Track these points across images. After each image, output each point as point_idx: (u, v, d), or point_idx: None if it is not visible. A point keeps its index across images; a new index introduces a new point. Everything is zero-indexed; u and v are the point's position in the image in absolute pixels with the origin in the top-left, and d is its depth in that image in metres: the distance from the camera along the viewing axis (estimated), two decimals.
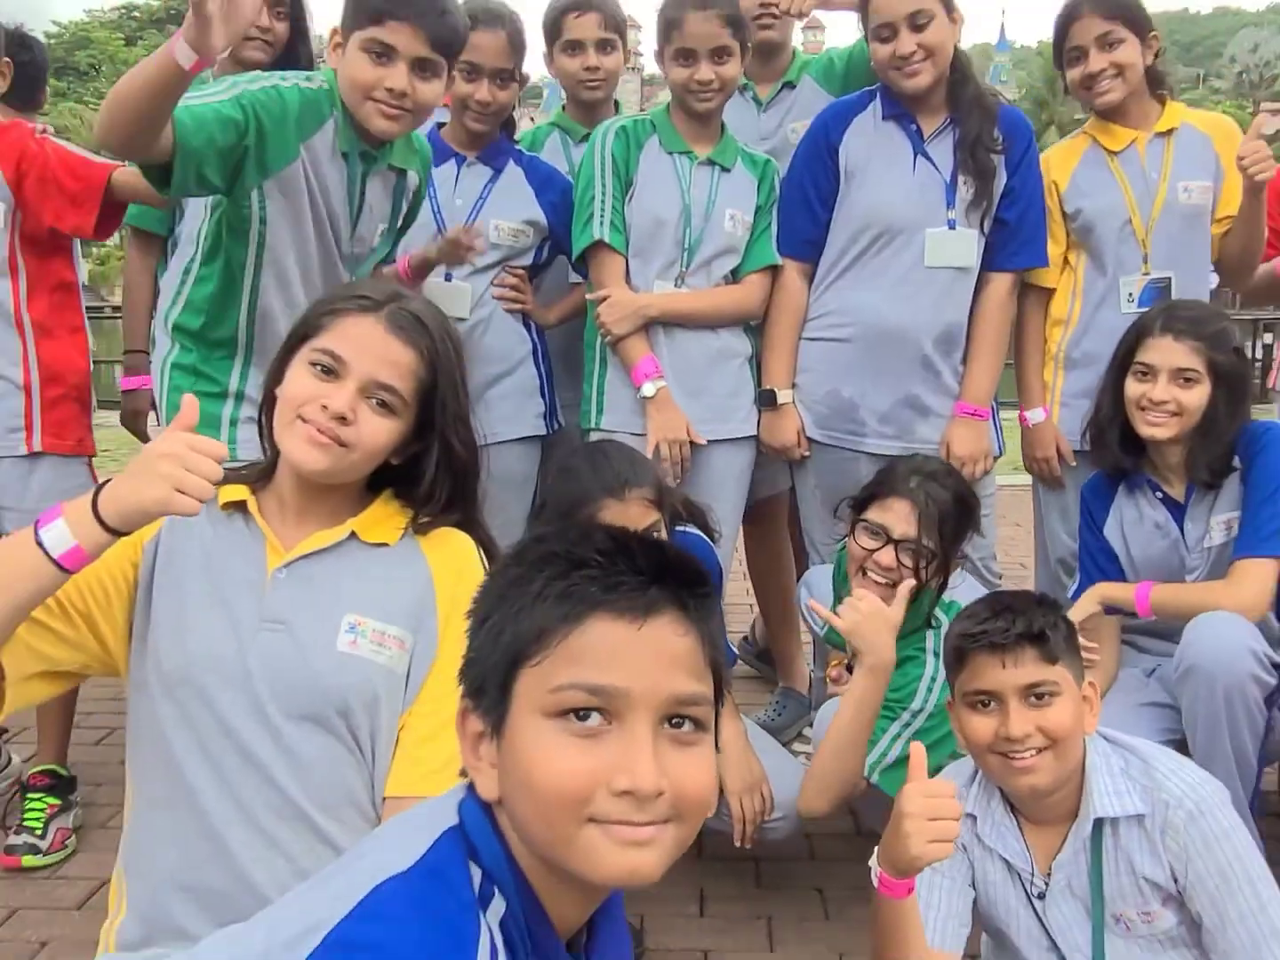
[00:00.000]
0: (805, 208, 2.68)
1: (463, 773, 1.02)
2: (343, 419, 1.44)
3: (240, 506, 1.51)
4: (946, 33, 2.53)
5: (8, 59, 2.48)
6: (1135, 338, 2.30)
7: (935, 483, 2.18)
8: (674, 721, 0.93)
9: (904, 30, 2.50)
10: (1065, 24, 2.73)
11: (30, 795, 2.59)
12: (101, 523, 1.29)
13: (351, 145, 2.15)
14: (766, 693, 3.44)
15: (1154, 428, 2.24)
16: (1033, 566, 2.99)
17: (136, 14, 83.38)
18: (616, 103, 3.20)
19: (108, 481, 1.34)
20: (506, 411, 2.71)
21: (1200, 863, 1.59)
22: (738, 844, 2.21)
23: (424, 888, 0.90)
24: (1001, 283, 2.68)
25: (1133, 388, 2.27)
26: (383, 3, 2.02)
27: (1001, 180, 2.62)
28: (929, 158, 2.62)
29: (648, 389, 2.58)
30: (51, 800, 2.58)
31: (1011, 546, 4.41)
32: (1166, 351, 2.23)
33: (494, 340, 2.72)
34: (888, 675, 1.99)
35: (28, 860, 2.45)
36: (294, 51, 2.85)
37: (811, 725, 2.58)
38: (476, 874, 0.93)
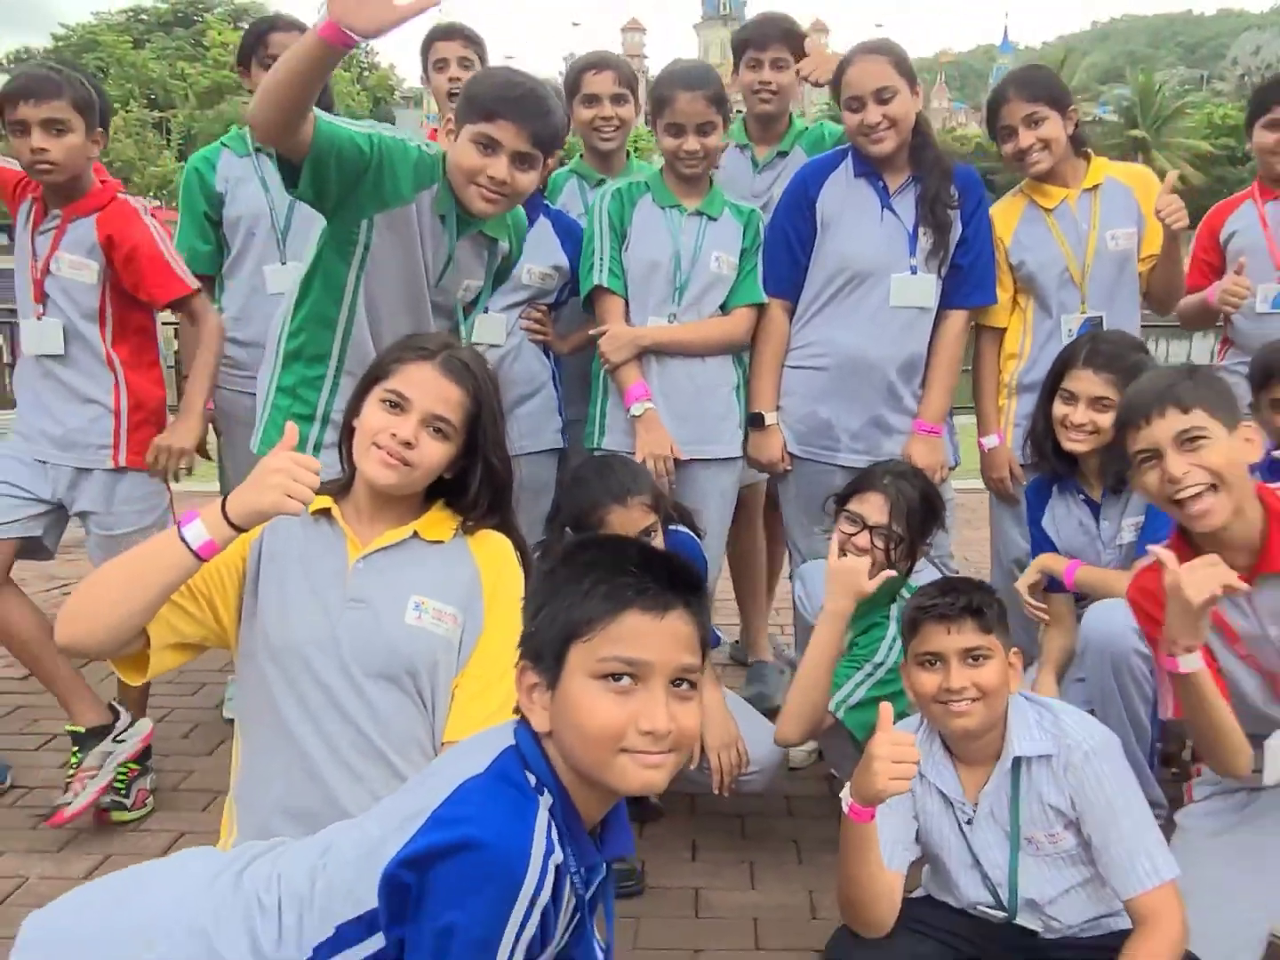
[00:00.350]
0: (787, 252, 3.09)
1: (516, 710, 1.43)
2: (408, 445, 1.84)
3: (325, 513, 1.92)
4: (909, 105, 2.93)
5: (101, 128, 2.87)
6: (1062, 366, 2.72)
7: (905, 481, 2.62)
8: (677, 683, 1.36)
9: (871, 103, 2.90)
10: (995, 106, 3.15)
11: (75, 753, 2.97)
12: (229, 522, 1.70)
13: (449, 209, 2.45)
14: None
15: (1074, 444, 2.67)
16: (989, 565, 3.39)
17: (144, 17, 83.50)
18: (629, 151, 3.60)
19: (227, 494, 1.76)
20: (529, 427, 3.15)
21: (1091, 794, 1.99)
22: (716, 792, 2.61)
23: (496, 783, 1.32)
24: (957, 319, 3.09)
25: (1058, 409, 2.69)
26: (494, 103, 2.31)
27: (957, 231, 3.02)
28: (894, 211, 3.02)
29: (636, 409, 2.99)
30: (131, 766, 2.99)
31: (969, 548, 4.79)
32: (1086, 382, 2.64)
33: (521, 366, 3.15)
34: (842, 623, 2.43)
35: (116, 815, 2.85)
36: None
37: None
38: (531, 778, 1.34)
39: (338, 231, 2.39)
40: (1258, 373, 2.88)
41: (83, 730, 2.87)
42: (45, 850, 2.74)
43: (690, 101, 2.97)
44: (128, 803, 2.89)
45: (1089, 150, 3.20)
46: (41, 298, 2.79)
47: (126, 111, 60.64)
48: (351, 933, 1.29)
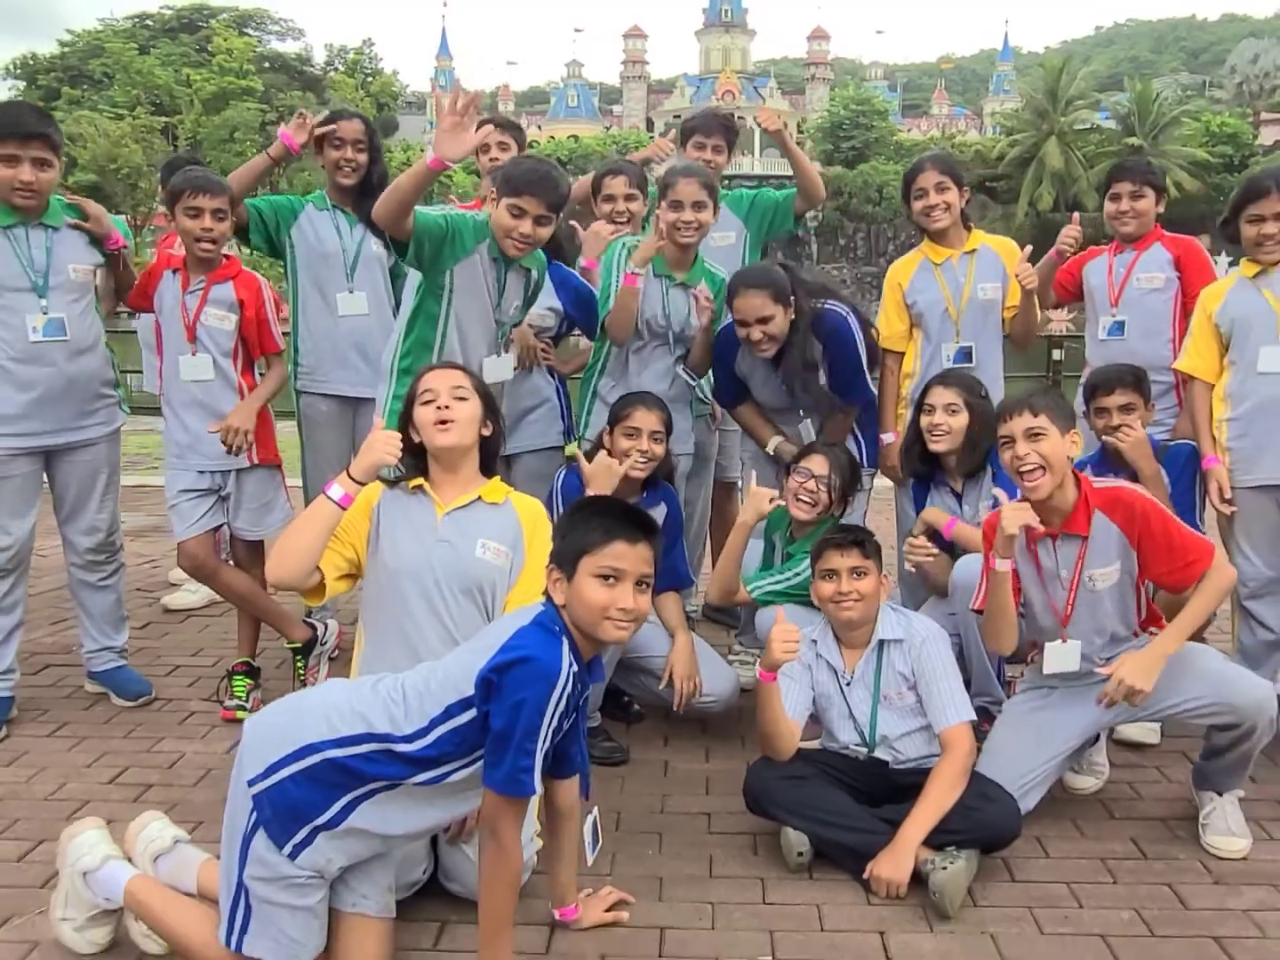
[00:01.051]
0: (731, 382, 4.15)
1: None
2: (446, 408, 2.84)
3: (420, 488, 2.93)
4: (782, 323, 3.81)
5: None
6: (925, 390, 3.75)
7: (838, 449, 3.74)
8: (640, 584, 2.39)
9: (754, 325, 3.79)
10: (913, 175, 4.20)
11: (235, 677, 4.01)
12: (353, 480, 2.72)
13: (497, 254, 3.49)
14: (722, 632, 4.84)
15: (936, 444, 3.69)
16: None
17: (150, 23, 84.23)
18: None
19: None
20: (537, 430, 4.21)
21: (925, 665, 3.04)
22: (676, 709, 3.63)
23: (537, 629, 2.33)
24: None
25: (923, 420, 3.71)
26: (522, 184, 3.35)
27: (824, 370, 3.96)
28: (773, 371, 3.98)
29: None
30: (249, 680, 4.02)
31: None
32: (940, 395, 3.68)
33: (529, 384, 4.17)
34: (746, 530, 3.56)
35: (240, 714, 3.86)
36: (369, 176, 4.24)
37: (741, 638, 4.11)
38: (555, 628, 2.35)
39: (432, 282, 3.44)
40: (1086, 390, 3.90)
41: (300, 644, 3.95)
42: (191, 737, 3.76)
43: (687, 184, 3.94)
44: (248, 706, 3.91)
45: (970, 224, 4.23)
46: (193, 340, 3.80)
47: (134, 118, 61.67)
48: (456, 709, 2.28)
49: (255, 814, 2.27)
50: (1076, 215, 4.35)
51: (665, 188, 3.99)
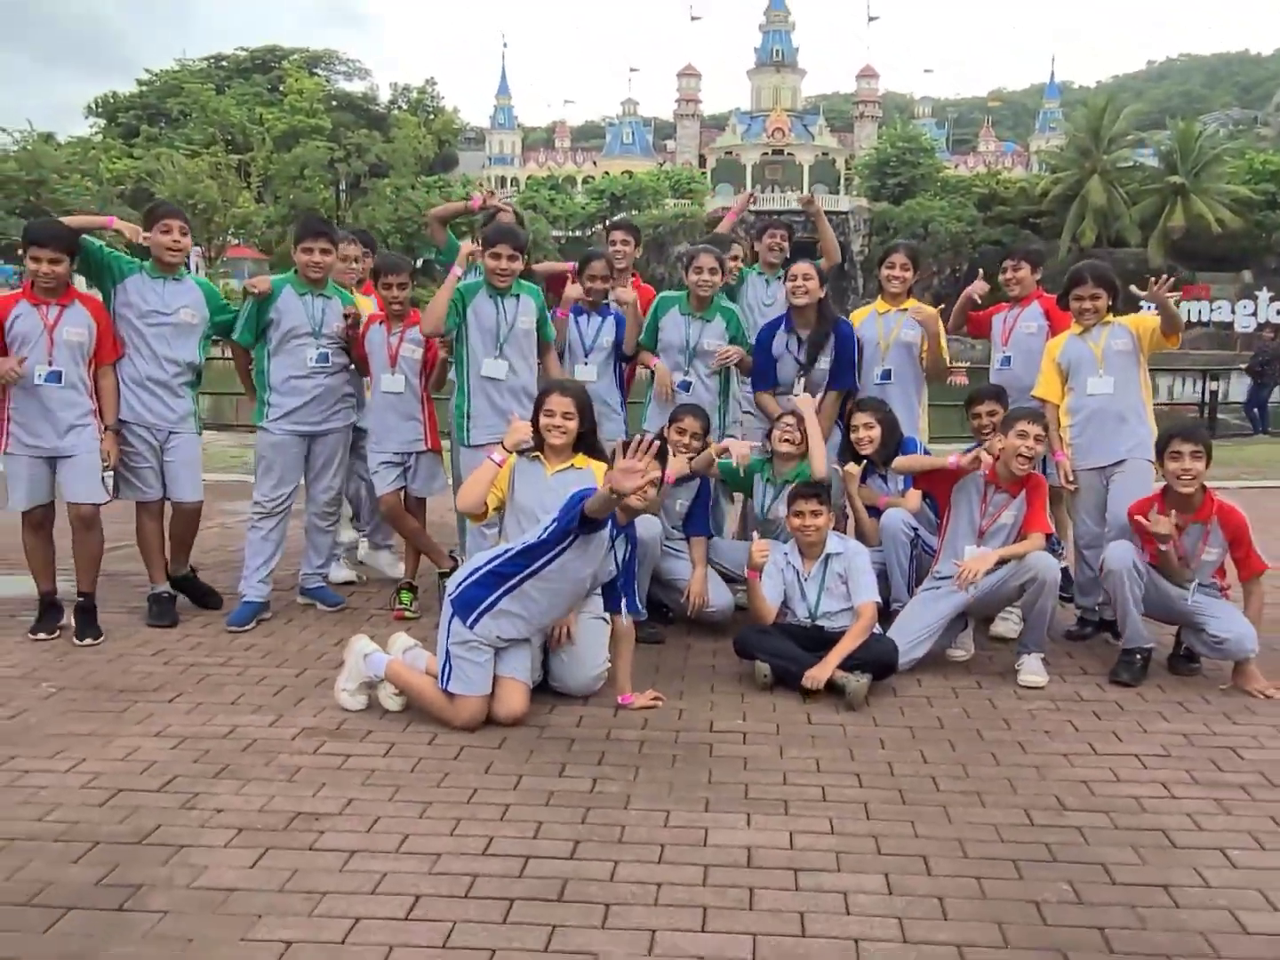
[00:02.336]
0: (767, 367, 6.03)
1: None
2: (559, 425, 4.79)
3: (538, 458, 4.88)
4: (816, 287, 5.80)
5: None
6: (849, 415, 5.67)
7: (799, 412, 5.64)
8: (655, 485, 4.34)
9: (800, 279, 5.80)
10: (888, 253, 6.15)
11: (401, 591, 5.97)
12: (505, 450, 4.69)
13: (493, 292, 5.50)
14: None
15: (862, 450, 5.59)
16: None
17: (224, 64, 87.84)
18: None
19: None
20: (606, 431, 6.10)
21: (852, 568, 4.97)
22: (689, 615, 5.53)
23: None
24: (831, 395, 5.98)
25: (851, 436, 5.62)
26: (494, 238, 5.40)
27: (830, 353, 5.92)
28: (797, 349, 5.94)
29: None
30: (411, 593, 5.98)
31: None
32: (860, 418, 5.61)
33: (601, 389, 6.09)
34: (719, 452, 5.56)
35: (409, 614, 5.83)
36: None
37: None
38: None
39: (459, 333, 5.52)
40: (965, 401, 5.79)
41: (446, 570, 5.81)
42: (378, 629, 5.71)
43: (704, 256, 5.93)
44: (414, 610, 5.87)
45: (912, 293, 6.15)
46: (394, 365, 5.76)
47: (211, 155, 64.68)
48: (550, 523, 4.24)
49: (452, 610, 4.24)
50: (982, 281, 6.27)
51: (690, 259, 5.99)
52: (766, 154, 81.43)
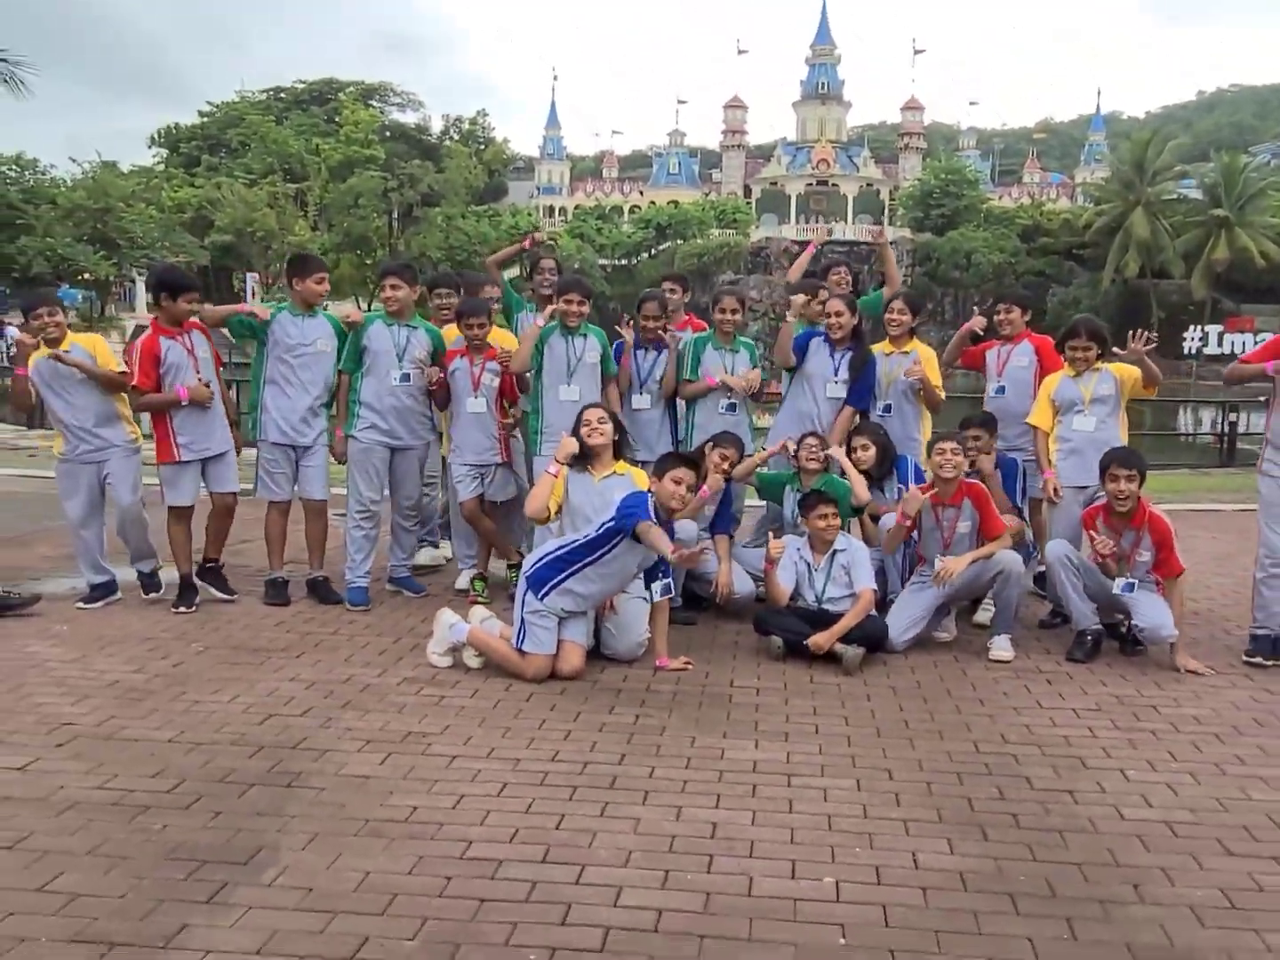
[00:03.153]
0: (799, 353, 7.10)
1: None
2: (597, 428, 5.89)
3: (586, 467, 5.97)
4: (849, 321, 6.87)
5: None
6: (850, 438, 6.70)
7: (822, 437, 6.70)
8: (690, 489, 5.47)
9: (833, 316, 6.88)
10: (890, 301, 7.18)
11: (475, 580, 7.05)
12: (559, 463, 5.80)
13: (566, 331, 6.69)
14: None
15: (859, 466, 6.61)
16: None
17: (283, 95, 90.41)
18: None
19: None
20: (645, 437, 7.13)
21: (854, 561, 6.01)
22: (719, 601, 6.57)
23: (643, 494, 5.38)
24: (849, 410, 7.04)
25: (851, 456, 6.64)
26: (566, 288, 6.75)
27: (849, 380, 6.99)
28: (835, 359, 7.00)
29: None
30: (483, 581, 7.06)
31: None
32: (857, 439, 6.64)
33: (655, 416, 7.16)
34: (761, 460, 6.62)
35: (480, 600, 6.89)
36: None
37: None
38: (649, 498, 5.40)
39: (537, 368, 6.67)
40: (959, 425, 6.81)
41: (514, 563, 6.91)
42: (460, 607, 6.79)
43: (728, 297, 7.04)
44: (485, 597, 6.95)
45: (915, 335, 7.19)
46: (476, 390, 6.85)
47: (269, 184, 66.77)
48: (607, 522, 5.32)
49: (526, 585, 5.33)
50: (980, 316, 7.31)
51: (716, 300, 7.09)
52: (811, 185, 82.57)
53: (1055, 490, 6.56)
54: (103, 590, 6.64)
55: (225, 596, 6.74)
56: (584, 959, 3.00)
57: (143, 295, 57.50)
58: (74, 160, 60.39)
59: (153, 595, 6.72)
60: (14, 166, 55.84)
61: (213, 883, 3.36)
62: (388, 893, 3.32)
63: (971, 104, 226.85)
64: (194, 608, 6.54)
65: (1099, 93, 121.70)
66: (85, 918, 3.15)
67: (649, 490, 5.58)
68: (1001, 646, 5.95)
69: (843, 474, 6.60)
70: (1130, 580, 5.87)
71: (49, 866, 3.44)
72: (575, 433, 5.98)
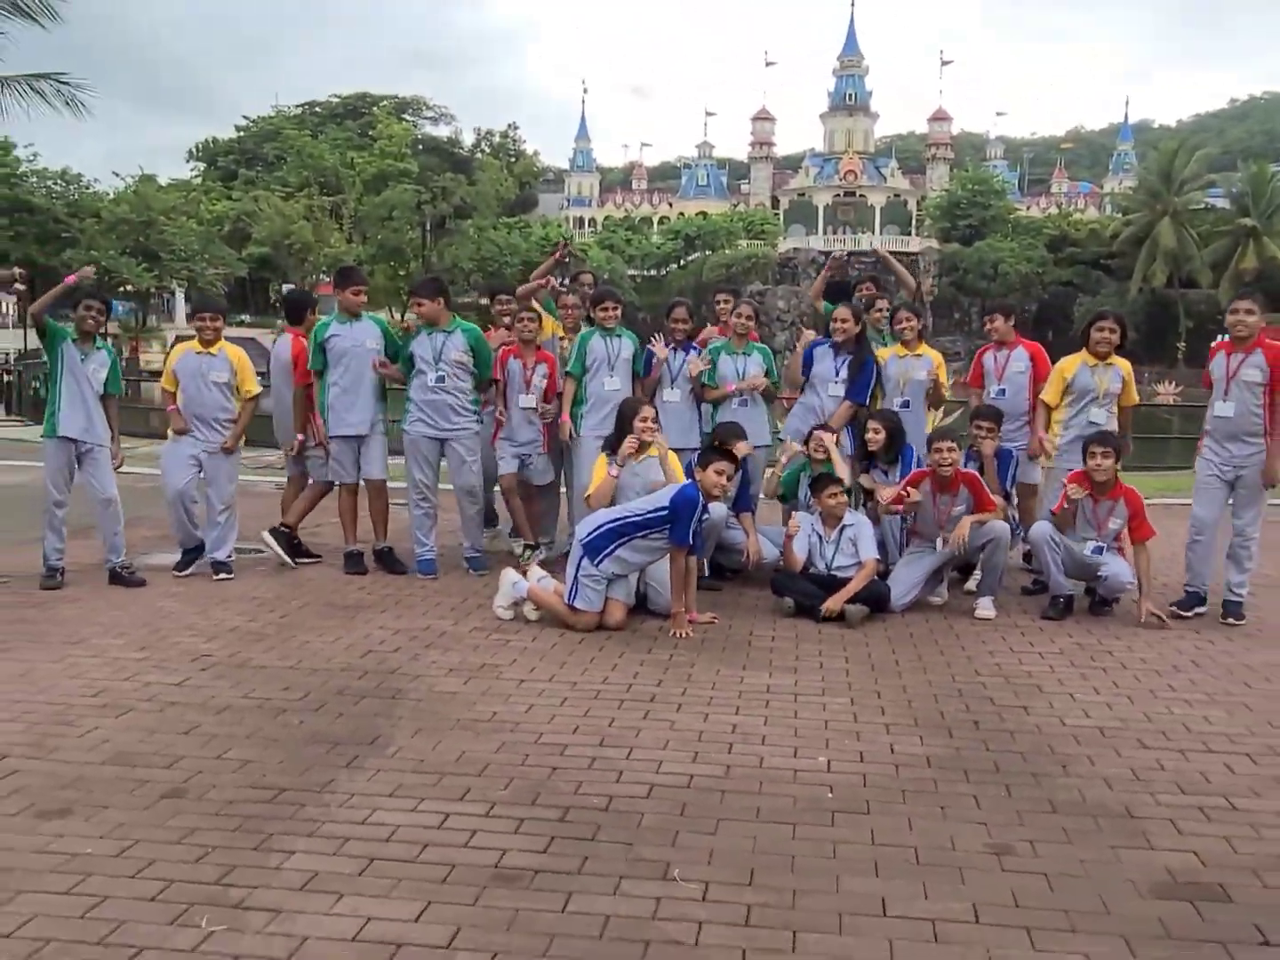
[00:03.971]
0: (808, 358, 8.09)
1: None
2: (648, 429, 6.90)
3: (629, 456, 6.97)
4: (853, 327, 7.84)
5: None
6: (862, 427, 7.66)
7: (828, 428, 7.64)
8: (726, 476, 6.46)
9: (839, 322, 7.85)
10: (896, 309, 8.17)
11: (527, 549, 8.06)
12: (619, 465, 6.83)
13: (605, 334, 7.82)
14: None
15: (872, 448, 7.57)
16: None
17: (318, 110, 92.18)
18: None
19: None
20: (676, 426, 8.10)
21: (859, 534, 6.98)
22: (747, 567, 7.54)
23: (690, 488, 6.38)
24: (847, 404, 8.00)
25: (867, 437, 7.60)
26: (600, 297, 7.98)
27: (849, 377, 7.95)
28: (836, 362, 7.97)
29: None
30: (532, 549, 8.06)
31: None
32: (871, 424, 7.57)
33: (684, 409, 8.16)
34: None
35: (527, 568, 7.91)
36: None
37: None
38: (696, 487, 6.39)
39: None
40: (970, 417, 7.75)
41: (534, 544, 7.98)
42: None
43: (744, 305, 8.07)
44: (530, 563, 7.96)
45: (924, 339, 8.15)
46: (528, 388, 7.90)
47: (305, 198, 68.18)
48: (656, 508, 6.29)
49: (582, 552, 6.32)
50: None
51: (733, 307, 8.07)
52: (839, 195, 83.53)
53: (1048, 446, 7.48)
54: (194, 554, 7.83)
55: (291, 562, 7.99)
56: (634, 804, 3.99)
57: (182, 306, 59.21)
58: (117, 174, 61.84)
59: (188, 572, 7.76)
60: (60, 181, 57.51)
61: (348, 755, 4.39)
62: (481, 763, 4.33)
63: (999, 114, 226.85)
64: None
65: (1127, 102, 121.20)
66: (256, 774, 4.18)
67: (693, 479, 6.55)
68: (986, 607, 6.89)
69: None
70: (1099, 544, 6.81)
71: (219, 745, 4.48)
72: (621, 427, 7.00)
